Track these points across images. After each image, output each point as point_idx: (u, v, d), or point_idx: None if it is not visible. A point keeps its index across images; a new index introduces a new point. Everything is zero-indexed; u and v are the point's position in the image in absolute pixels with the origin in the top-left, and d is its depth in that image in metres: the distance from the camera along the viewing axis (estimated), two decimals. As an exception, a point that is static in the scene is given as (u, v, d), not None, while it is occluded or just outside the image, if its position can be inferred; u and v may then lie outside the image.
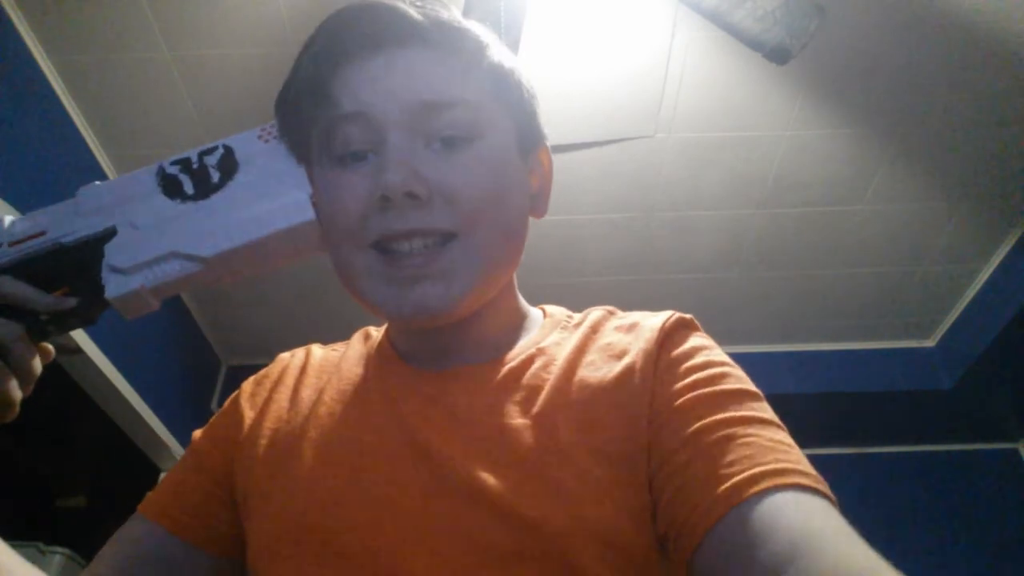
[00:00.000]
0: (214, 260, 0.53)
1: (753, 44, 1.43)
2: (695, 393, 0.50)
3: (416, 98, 0.53)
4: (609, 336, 0.58)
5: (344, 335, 0.70)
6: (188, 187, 0.55)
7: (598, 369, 0.54)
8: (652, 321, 0.58)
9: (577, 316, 0.63)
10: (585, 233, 2.36)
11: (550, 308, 0.66)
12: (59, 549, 2.18)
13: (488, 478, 0.48)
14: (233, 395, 0.66)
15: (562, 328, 0.61)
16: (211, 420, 0.66)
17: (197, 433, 0.65)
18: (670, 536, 0.46)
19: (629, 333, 0.57)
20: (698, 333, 0.57)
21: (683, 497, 0.45)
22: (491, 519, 0.47)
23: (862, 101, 1.95)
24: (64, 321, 0.53)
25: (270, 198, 0.54)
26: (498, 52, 0.58)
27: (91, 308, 0.53)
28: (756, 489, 0.42)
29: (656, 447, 0.49)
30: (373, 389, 0.58)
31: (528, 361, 0.56)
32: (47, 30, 1.74)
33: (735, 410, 0.48)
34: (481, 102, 0.55)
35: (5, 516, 2.43)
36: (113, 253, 0.53)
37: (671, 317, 0.58)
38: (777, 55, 1.44)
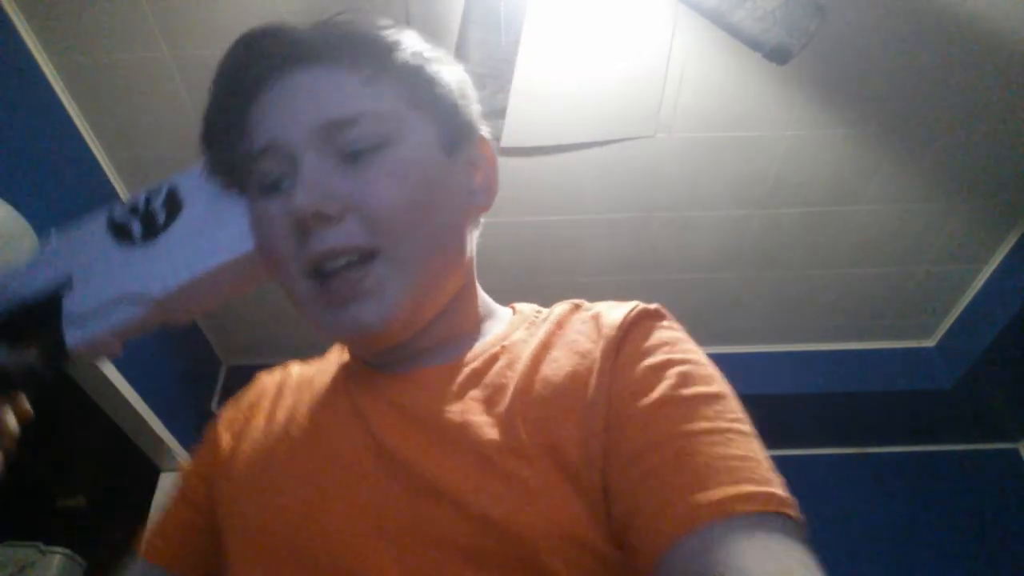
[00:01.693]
0: (164, 300, 0.53)
1: (753, 44, 1.43)
2: (649, 400, 0.48)
3: (319, 118, 0.53)
4: (574, 331, 0.56)
5: (343, 335, 0.70)
6: (136, 230, 0.56)
7: (561, 367, 0.53)
8: (614, 316, 0.56)
9: (545, 311, 0.62)
10: (585, 233, 2.36)
11: (520, 305, 0.65)
12: (59, 549, 2.18)
13: (453, 479, 0.48)
14: (213, 423, 0.67)
15: (529, 324, 0.60)
16: (195, 451, 0.67)
17: (185, 465, 0.66)
18: (628, 551, 0.46)
19: (593, 328, 0.56)
20: (662, 325, 0.55)
21: (631, 522, 0.45)
22: (457, 520, 0.47)
23: (862, 101, 1.95)
24: (32, 375, 0.53)
25: (211, 233, 0.55)
26: (410, 50, 0.57)
27: (55, 359, 0.53)
28: (691, 528, 0.41)
29: (612, 454, 0.48)
30: (340, 400, 0.59)
31: (492, 359, 0.56)
32: (47, 30, 1.75)
33: (688, 422, 0.47)
34: (389, 109, 0.54)
35: (5, 516, 2.43)
36: (70, 303, 0.54)
37: (633, 310, 0.56)
38: (777, 55, 1.44)
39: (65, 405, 2.07)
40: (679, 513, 0.42)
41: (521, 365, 0.54)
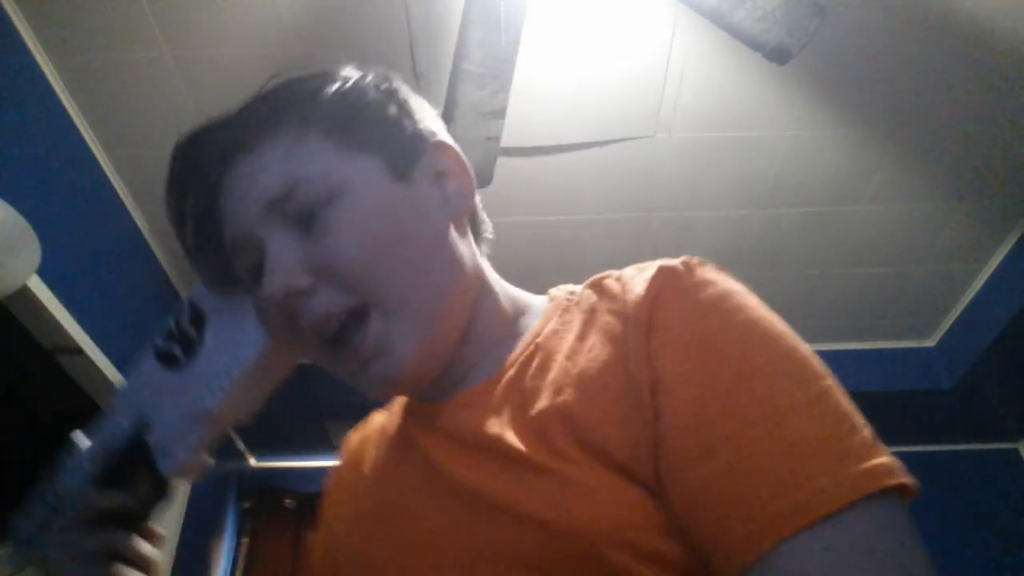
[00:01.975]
0: (219, 410, 0.57)
1: (753, 44, 1.44)
2: (691, 395, 0.44)
3: (260, 201, 0.53)
4: (606, 313, 0.52)
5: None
6: (179, 353, 0.61)
7: (596, 358, 0.50)
8: (637, 289, 0.51)
9: (579, 292, 0.58)
10: (585, 233, 2.36)
11: (554, 291, 0.62)
12: (59, 549, 2.17)
13: (504, 491, 0.47)
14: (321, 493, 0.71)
15: (562, 312, 0.57)
16: (313, 528, 0.70)
17: (310, 540, 0.69)
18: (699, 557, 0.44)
19: (622, 306, 0.51)
20: (689, 285, 0.49)
21: (698, 534, 0.42)
22: (519, 531, 0.46)
23: (862, 101, 1.95)
24: (149, 506, 0.59)
25: (234, 336, 0.58)
26: (329, 92, 0.56)
27: (161, 489, 0.59)
28: (757, 555, 0.39)
29: (664, 450, 0.44)
30: (404, 440, 0.60)
31: (527, 363, 0.54)
32: (47, 30, 1.75)
33: (737, 417, 0.42)
34: (323, 163, 0.53)
35: (5, 516, 2.43)
36: (152, 437, 0.59)
37: (655, 279, 0.50)
38: (777, 55, 1.44)
39: (65, 405, 2.07)
40: (741, 538, 0.39)
41: (556, 364, 0.52)
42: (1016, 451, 3.00)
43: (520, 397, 0.52)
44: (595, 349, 0.51)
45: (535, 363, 0.54)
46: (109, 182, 2.08)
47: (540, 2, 1.63)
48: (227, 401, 0.57)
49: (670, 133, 2.04)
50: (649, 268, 0.52)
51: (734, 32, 1.42)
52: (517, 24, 1.43)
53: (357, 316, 0.52)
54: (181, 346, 0.60)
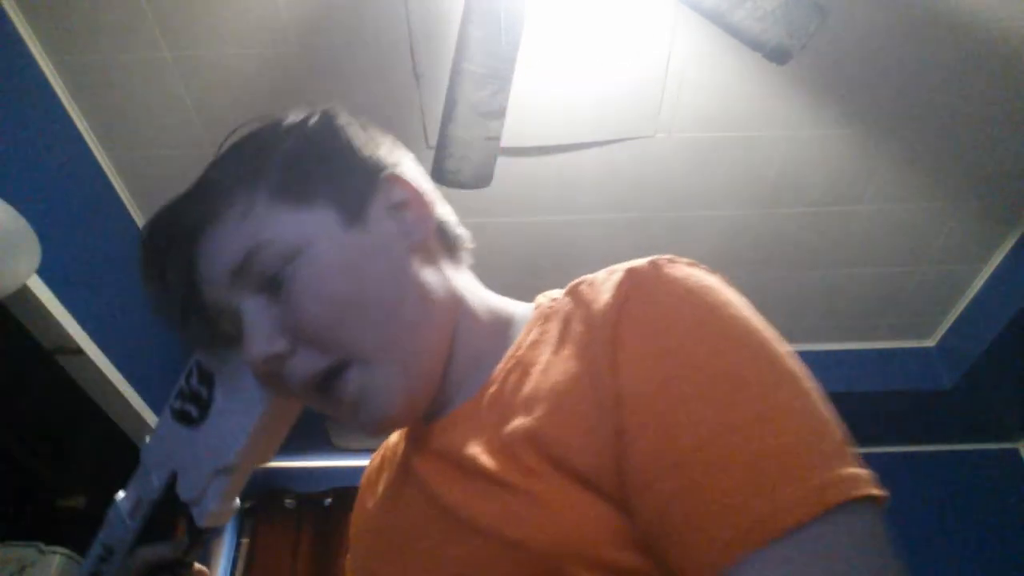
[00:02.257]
0: (239, 462, 0.60)
1: (753, 44, 1.44)
2: (653, 411, 0.43)
3: (224, 271, 0.53)
4: (578, 321, 0.51)
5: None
6: (194, 412, 0.63)
7: (568, 369, 0.49)
8: (605, 296, 0.49)
9: (559, 299, 0.57)
10: (585, 233, 2.36)
11: (540, 297, 0.61)
12: (59, 549, 2.18)
13: (481, 512, 0.47)
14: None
15: (543, 321, 0.56)
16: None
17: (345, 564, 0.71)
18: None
19: (591, 316, 0.49)
20: (655, 296, 0.47)
21: (662, 552, 0.41)
22: (497, 553, 0.45)
23: (862, 101, 1.95)
24: (189, 552, 0.63)
25: (241, 391, 0.60)
26: (275, 156, 0.55)
27: (198, 537, 0.62)
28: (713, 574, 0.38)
29: (627, 468, 0.43)
30: (405, 463, 0.61)
31: (507, 377, 0.54)
32: (47, 30, 1.75)
33: (699, 429, 0.41)
34: (274, 230, 0.53)
35: (5, 516, 2.43)
36: (182, 492, 0.62)
37: (622, 283, 0.48)
38: (777, 55, 1.44)
39: (65, 405, 2.07)
40: (696, 561, 0.39)
41: (531, 378, 0.52)
42: (1016, 451, 3.00)
43: (499, 415, 0.52)
44: (567, 361, 0.49)
45: (513, 378, 0.53)
46: (109, 182, 2.08)
47: (540, 2, 1.63)
48: (245, 453, 0.60)
49: (670, 133, 2.04)
50: (618, 271, 0.50)
51: (734, 32, 1.42)
52: (517, 24, 1.43)
53: (337, 370, 0.53)
54: (195, 405, 0.63)
